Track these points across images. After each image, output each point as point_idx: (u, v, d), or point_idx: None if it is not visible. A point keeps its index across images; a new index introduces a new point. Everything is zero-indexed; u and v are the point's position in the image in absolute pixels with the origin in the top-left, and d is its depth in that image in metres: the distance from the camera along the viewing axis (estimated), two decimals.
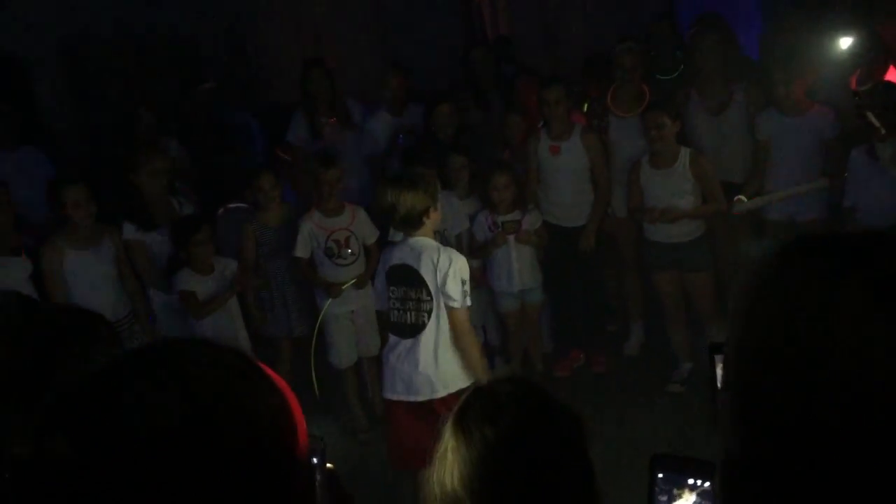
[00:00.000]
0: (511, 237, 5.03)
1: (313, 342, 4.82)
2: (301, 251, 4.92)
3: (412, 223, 3.64)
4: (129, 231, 4.74)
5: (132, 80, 7.26)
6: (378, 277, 3.97)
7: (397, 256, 3.74)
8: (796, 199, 4.79)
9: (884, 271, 0.73)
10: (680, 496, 1.16)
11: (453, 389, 3.56)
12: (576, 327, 5.51)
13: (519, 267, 5.10)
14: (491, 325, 5.45)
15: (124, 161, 4.94)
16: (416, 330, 3.69)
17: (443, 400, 3.56)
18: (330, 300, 4.83)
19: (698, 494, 1.15)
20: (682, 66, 5.53)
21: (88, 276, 4.53)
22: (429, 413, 3.56)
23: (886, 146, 4.16)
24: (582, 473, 1.44)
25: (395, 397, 3.79)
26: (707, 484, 1.14)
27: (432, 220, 3.69)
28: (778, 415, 0.75)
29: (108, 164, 6.31)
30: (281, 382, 0.83)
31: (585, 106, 5.64)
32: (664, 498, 1.16)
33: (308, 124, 5.80)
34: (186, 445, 0.72)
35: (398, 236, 4.02)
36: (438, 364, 3.66)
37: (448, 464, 1.43)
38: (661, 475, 1.17)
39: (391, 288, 3.76)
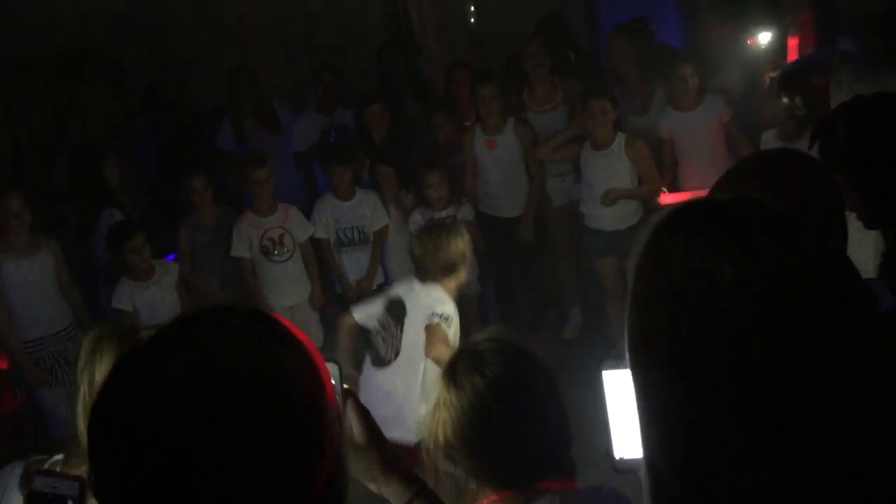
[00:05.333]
0: None
1: None
2: (237, 250, 5.00)
3: (448, 270, 3.66)
4: None
5: (58, 93, 7.16)
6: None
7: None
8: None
9: (734, 229, 0.86)
10: None
11: None
12: (518, 315, 5.64)
13: None
14: None
15: None
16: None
17: None
18: None
19: None
20: (575, 65, 5.69)
21: (27, 287, 4.48)
22: None
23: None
24: (558, 416, 1.58)
25: None
26: None
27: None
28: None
29: (34, 177, 6.27)
30: (307, 342, 0.89)
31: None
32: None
33: (235, 129, 5.85)
34: (232, 414, 0.79)
35: None
36: None
37: (441, 416, 1.56)
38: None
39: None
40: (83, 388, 1.90)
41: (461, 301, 5.28)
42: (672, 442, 0.85)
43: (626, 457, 1.31)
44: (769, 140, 4.52)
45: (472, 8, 9.30)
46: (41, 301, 4.53)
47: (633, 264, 0.93)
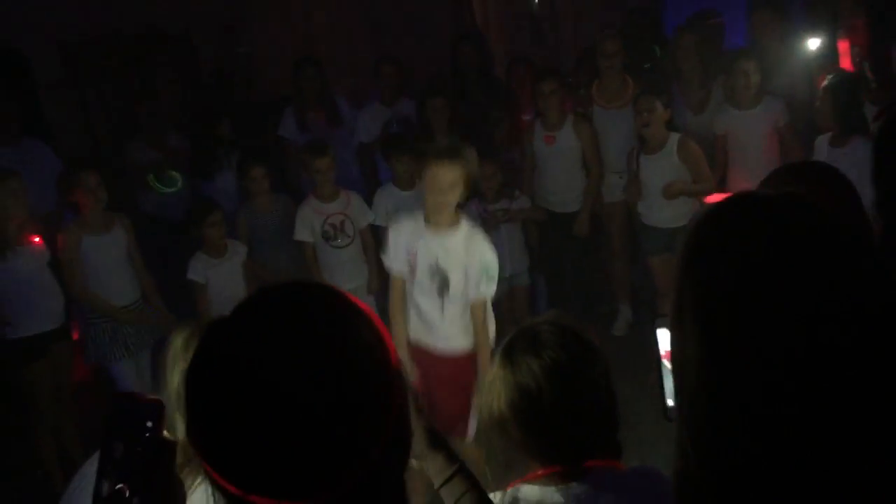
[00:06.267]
0: (502, 225, 5.23)
1: None
2: (301, 234, 5.14)
3: None
4: None
5: (129, 77, 7.41)
6: None
7: None
8: None
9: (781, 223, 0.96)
10: None
11: None
12: (568, 308, 5.70)
13: (509, 252, 5.29)
14: None
15: None
16: None
17: None
18: None
19: None
20: (659, 61, 5.71)
21: (105, 261, 4.70)
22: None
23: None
24: (608, 401, 1.66)
25: None
26: None
27: None
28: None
29: (107, 158, 6.52)
30: (374, 314, 1.00)
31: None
32: None
33: (297, 119, 6.00)
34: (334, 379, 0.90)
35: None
36: None
37: (496, 390, 1.66)
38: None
39: None
40: (174, 381, 1.84)
41: (512, 294, 5.41)
42: (699, 397, 0.96)
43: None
44: (822, 144, 4.49)
45: (537, 1, 9.35)
46: (116, 275, 4.74)
47: (679, 247, 1.03)
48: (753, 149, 5.05)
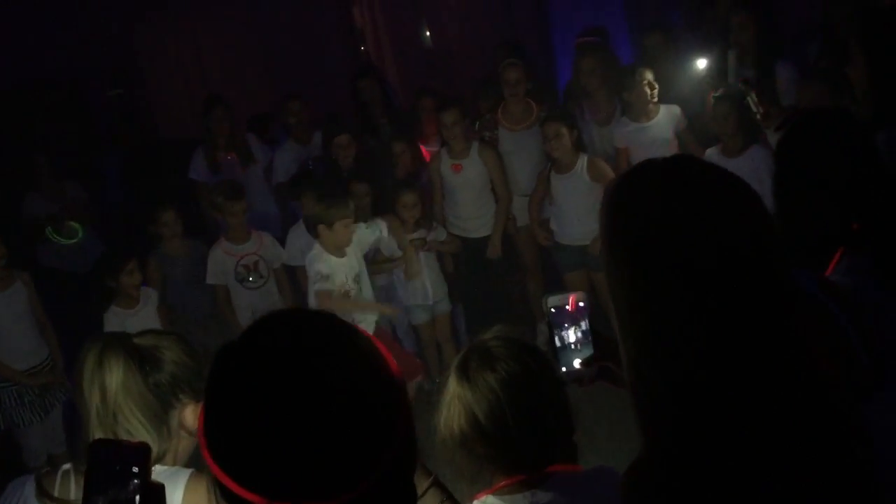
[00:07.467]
0: (421, 253, 5.29)
1: None
2: (213, 277, 5.08)
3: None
4: None
5: (24, 124, 7.18)
6: None
7: None
8: None
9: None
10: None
11: None
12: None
13: (429, 279, 5.38)
14: (405, 336, 5.71)
15: None
16: None
17: None
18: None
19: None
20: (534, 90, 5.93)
21: (5, 320, 4.54)
22: None
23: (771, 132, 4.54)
24: (562, 405, 1.73)
25: None
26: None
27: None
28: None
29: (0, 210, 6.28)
30: (364, 331, 1.07)
31: (476, 124, 5.93)
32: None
33: (208, 160, 5.94)
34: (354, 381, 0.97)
35: None
36: None
37: (455, 408, 1.71)
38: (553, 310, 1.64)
39: None
40: (94, 399, 1.78)
41: (434, 320, 5.46)
42: (646, 345, 1.14)
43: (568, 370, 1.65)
44: (713, 157, 4.69)
45: (428, 33, 9.51)
46: (19, 334, 4.58)
47: (600, 214, 1.24)
48: (656, 157, 5.21)
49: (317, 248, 4.76)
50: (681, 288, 1.10)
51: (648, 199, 1.18)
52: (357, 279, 4.83)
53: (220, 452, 0.95)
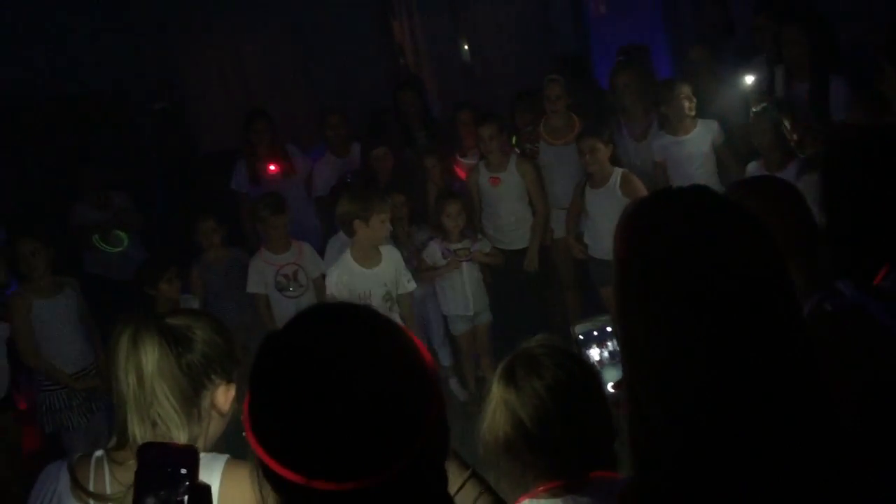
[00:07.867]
0: (464, 263, 5.33)
1: None
2: (253, 286, 5.14)
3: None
4: None
5: (69, 136, 7.35)
6: None
7: None
8: None
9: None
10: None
11: None
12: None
13: (471, 290, 5.42)
14: (441, 346, 5.73)
15: None
16: None
17: None
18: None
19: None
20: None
21: (56, 325, 4.65)
22: None
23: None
24: (604, 412, 1.76)
25: None
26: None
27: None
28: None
29: (49, 219, 6.43)
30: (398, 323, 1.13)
31: (514, 138, 5.97)
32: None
33: (250, 172, 6.03)
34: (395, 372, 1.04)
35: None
36: None
37: (500, 414, 1.76)
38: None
39: None
40: (131, 380, 1.73)
41: (475, 331, 5.50)
42: (648, 372, 1.16)
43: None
44: (754, 171, 4.67)
45: (466, 47, 9.58)
46: (69, 339, 4.69)
47: (615, 234, 1.26)
48: (692, 173, 5.21)
49: (344, 257, 4.71)
50: (689, 315, 1.12)
51: (665, 226, 1.20)
52: (387, 297, 4.74)
53: (264, 436, 1.01)
